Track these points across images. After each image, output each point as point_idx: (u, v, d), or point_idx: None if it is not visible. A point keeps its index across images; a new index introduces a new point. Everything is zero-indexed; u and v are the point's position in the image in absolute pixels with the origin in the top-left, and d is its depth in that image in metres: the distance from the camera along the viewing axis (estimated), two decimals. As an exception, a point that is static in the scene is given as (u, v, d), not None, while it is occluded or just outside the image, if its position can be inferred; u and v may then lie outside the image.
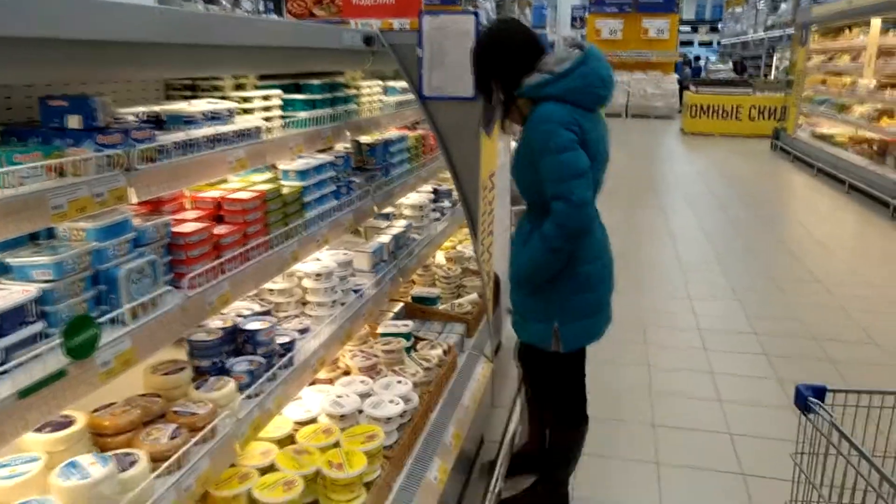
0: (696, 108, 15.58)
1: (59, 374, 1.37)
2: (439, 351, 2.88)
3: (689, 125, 15.66)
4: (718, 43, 31.54)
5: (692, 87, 16.44)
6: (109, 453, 1.54)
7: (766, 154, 13.22)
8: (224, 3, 11.77)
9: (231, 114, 2.11)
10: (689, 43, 35.53)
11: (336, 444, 2.13)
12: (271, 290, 2.43)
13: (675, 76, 19.26)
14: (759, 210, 8.41)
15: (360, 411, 2.31)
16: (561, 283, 2.28)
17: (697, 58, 26.47)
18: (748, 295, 5.35)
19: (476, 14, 2.74)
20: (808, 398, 1.58)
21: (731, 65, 20.47)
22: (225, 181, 2.31)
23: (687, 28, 34.03)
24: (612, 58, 19.17)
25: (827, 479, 1.66)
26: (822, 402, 1.61)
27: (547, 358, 2.42)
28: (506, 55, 2.24)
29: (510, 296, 2.50)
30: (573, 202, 2.09)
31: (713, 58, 27.24)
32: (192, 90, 2.34)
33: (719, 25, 31.47)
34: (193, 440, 1.66)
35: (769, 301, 5.25)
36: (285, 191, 2.27)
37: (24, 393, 1.30)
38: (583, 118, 2.17)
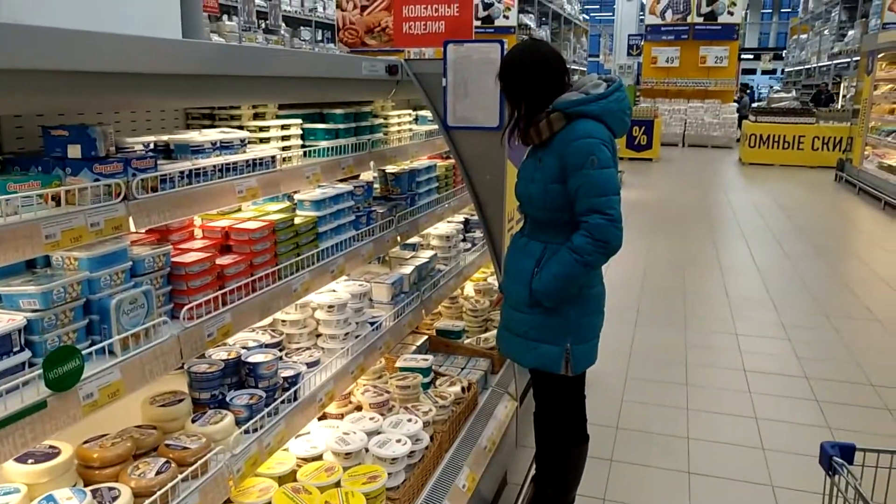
0: (756, 137, 15.12)
1: (38, 407, 1.35)
2: (458, 388, 2.79)
3: (748, 155, 15.19)
4: (782, 71, 30.75)
5: (751, 117, 15.98)
6: (91, 487, 1.51)
7: (829, 186, 12.69)
8: (283, 33, 12.12)
9: (243, 143, 2.10)
10: (752, 71, 34.78)
11: (337, 484, 2.06)
12: (283, 320, 2.40)
13: (735, 105, 18.80)
14: (818, 244, 8.03)
15: (366, 450, 2.24)
16: (578, 304, 2.30)
17: (746, 85, 25.51)
18: (800, 334, 5.07)
19: (503, 43, 2.70)
20: (832, 458, 1.43)
21: (793, 93, 19.74)
22: (239, 210, 2.31)
23: (749, 56, 33.35)
24: (668, 86, 18.98)
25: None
26: (851, 462, 1.45)
27: (553, 381, 2.41)
28: (541, 72, 2.26)
29: (511, 320, 2.40)
30: (613, 217, 2.13)
31: (777, 86, 26.50)
32: (211, 119, 2.35)
33: (783, 53, 30.71)
34: (180, 476, 1.62)
35: (823, 342, 4.96)
36: (298, 220, 2.25)
37: (-1, 424, 1.28)
38: (612, 142, 2.25)
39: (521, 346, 2.38)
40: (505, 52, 2.51)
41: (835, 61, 20.18)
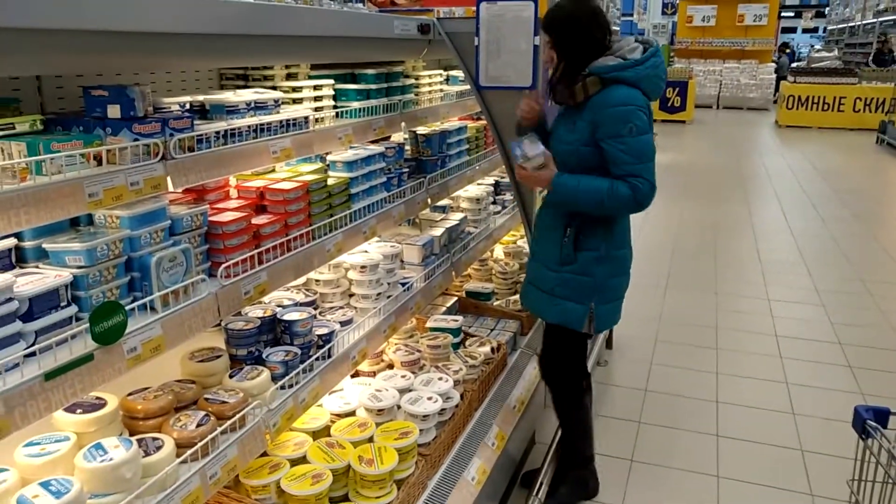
0: (794, 98, 14.67)
1: (86, 359, 1.40)
2: (487, 348, 2.82)
3: (785, 118, 14.77)
4: (824, 29, 29.67)
5: (790, 77, 15.48)
6: (136, 437, 1.57)
7: (870, 149, 12.33)
8: (311, -8, 12.02)
9: (277, 103, 2.11)
10: (793, 29, 33.62)
11: (370, 439, 2.11)
12: (317, 280, 2.44)
13: (773, 65, 18.22)
14: (855, 208, 7.84)
15: (398, 407, 2.28)
16: (606, 265, 2.33)
17: (786, 44, 24.52)
18: (834, 299, 4.99)
19: (536, 1, 2.65)
20: (866, 421, 1.43)
21: (835, 52, 18.95)
22: (273, 170, 2.33)
23: (790, 13, 32.21)
24: (703, 46, 18.45)
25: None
26: (885, 426, 1.45)
27: (571, 337, 2.46)
28: (591, 26, 2.22)
29: (538, 276, 2.43)
30: (651, 182, 2.17)
31: (818, 45, 25.57)
32: (245, 80, 2.36)
33: (826, 10, 29.59)
34: (220, 428, 1.67)
35: (858, 307, 4.88)
36: (331, 181, 2.26)
37: (50, 375, 1.33)
38: (648, 106, 2.24)
39: (546, 302, 2.41)
40: (541, 9, 2.47)
41: (880, 18, 19.39)
